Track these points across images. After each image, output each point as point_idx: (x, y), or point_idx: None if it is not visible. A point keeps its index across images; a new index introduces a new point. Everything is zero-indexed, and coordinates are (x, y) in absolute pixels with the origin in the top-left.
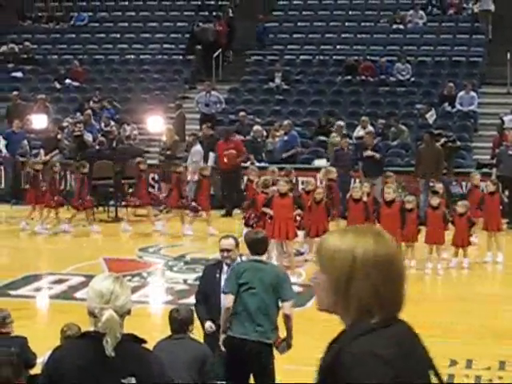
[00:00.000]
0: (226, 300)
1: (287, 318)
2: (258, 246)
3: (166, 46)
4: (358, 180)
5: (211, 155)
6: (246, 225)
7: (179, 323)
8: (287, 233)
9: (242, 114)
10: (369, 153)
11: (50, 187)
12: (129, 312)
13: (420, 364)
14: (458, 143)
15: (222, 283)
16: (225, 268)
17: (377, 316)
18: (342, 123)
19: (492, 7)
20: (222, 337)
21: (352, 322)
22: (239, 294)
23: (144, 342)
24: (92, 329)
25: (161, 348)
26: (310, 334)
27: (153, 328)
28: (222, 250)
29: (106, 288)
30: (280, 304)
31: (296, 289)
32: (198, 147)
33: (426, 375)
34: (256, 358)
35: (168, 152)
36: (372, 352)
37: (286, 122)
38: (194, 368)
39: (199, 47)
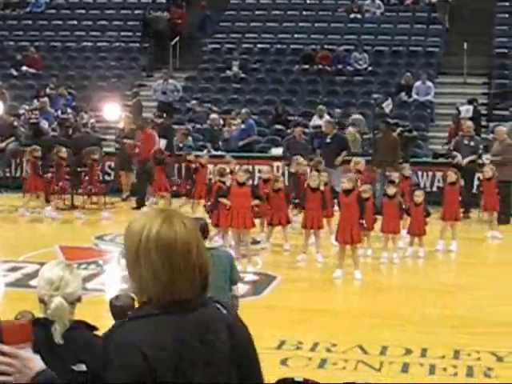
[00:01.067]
0: None
1: (236, 300)
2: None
3: (123, 33)
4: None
5: (162, 142)
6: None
7: (119, 310)
8: (245, 222)
9: (193, 102)
10: (339, 159)
11: (55, 173)
12: (79, 299)
13: (207, 354)
14: (415, 133)
15: None
16: None
17: (156, 302)
18: (358, 116)
19: None
20: None
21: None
22: None
23: (95, 329)
24: (42, 316)
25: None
26: (266, 322)
27: (108, 316)
28: None
29: (56, 275)
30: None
31: (252, 277)
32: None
33: (215, 365)
34: None
35: (125, 140)
36: (127, 341)
37: (243, 111)
38: None
39: (151, 35)
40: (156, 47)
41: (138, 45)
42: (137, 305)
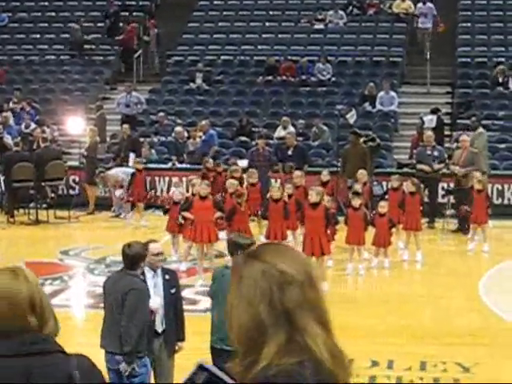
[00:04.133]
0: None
1: None
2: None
3: (86, 46)
4: (278, 180)
5: (131, 155)
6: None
7: (129, 259)
8: (209, 236)
9: (160, 114)
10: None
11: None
12: None
13: None
14: (378, 141)
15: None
16: (150, 273)
17: None
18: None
19: (430, 25)
20: None
21: None
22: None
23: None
24: None
25: (109, 277)
26: None
27: (74, 332)
28: (155, 255)
29: None
30: None
31: None
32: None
33: None
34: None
35: (85, 153)
36: None
37: (203, 122)
38: (118, 298)
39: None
40: (119, 60)
41: (101, 58)
42: None
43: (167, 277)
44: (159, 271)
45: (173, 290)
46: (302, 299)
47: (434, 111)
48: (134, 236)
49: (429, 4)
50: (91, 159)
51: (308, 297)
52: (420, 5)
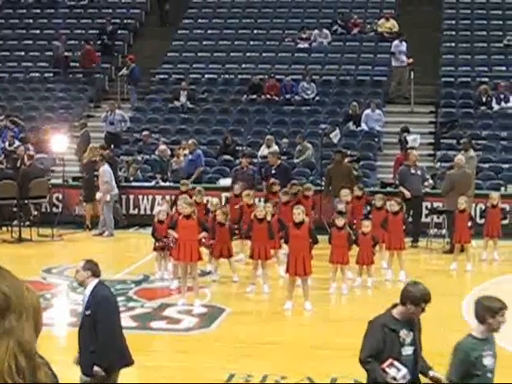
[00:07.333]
0: None
1: None
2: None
3: (72, 64)
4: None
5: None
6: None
7: (407, 295)
8: (191, 255)
9: (145, 133)
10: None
11: None
12: None
13: None
14: (359, 172)
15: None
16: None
17: None
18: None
19: (406, 63)
20: None
21: None
22: None
23: None
24: None
25: None
26: (215, 355)
27: (56, 351)
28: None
29: None
30: None
31: (201, 310)
32: (105, 167)
33: None
34: None
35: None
36: None
37: (190, 141)
38: None
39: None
40: (101, 79)
41: (81, 76)
42: None
43: (91, 299)
44: (89, 288)
45: (87, 312)
46: (11, 326)
47: (405, 130)
48: (117, 254)
49: (404, 43)
50: (88, 177)
51: (17, 324)
52: (396, 42)
